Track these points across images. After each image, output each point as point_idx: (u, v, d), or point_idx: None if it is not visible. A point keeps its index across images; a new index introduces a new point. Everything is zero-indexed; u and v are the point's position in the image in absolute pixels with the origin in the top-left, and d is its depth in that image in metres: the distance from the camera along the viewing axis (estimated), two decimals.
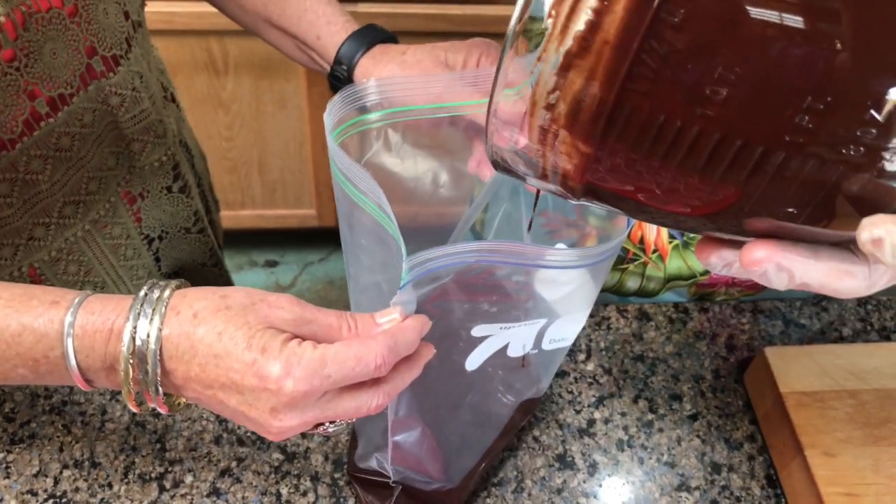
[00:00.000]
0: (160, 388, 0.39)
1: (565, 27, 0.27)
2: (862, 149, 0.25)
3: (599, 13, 0.26)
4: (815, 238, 0.29)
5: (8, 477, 0.57)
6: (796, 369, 0.61)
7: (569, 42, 0.27)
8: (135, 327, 0.38)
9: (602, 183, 0.30)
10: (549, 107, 0.29)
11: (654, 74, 0.25)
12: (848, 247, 0.30)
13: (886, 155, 0.25)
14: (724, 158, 0.26)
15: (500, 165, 0.35)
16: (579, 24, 0.26)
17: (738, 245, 0.31)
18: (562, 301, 0.48)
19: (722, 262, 0.33)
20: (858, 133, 0.25)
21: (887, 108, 0.24)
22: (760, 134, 0.26)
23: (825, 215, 0.27)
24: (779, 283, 0.30)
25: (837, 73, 0.24)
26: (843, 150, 0.25)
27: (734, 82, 0.25)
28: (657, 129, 0.27)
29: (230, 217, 1.65)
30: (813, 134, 0.25)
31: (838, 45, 0.24)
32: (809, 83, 0.24)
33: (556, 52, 0.27)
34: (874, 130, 0.25)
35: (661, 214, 0.31)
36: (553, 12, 0.27)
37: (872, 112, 0.24)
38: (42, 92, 0.50)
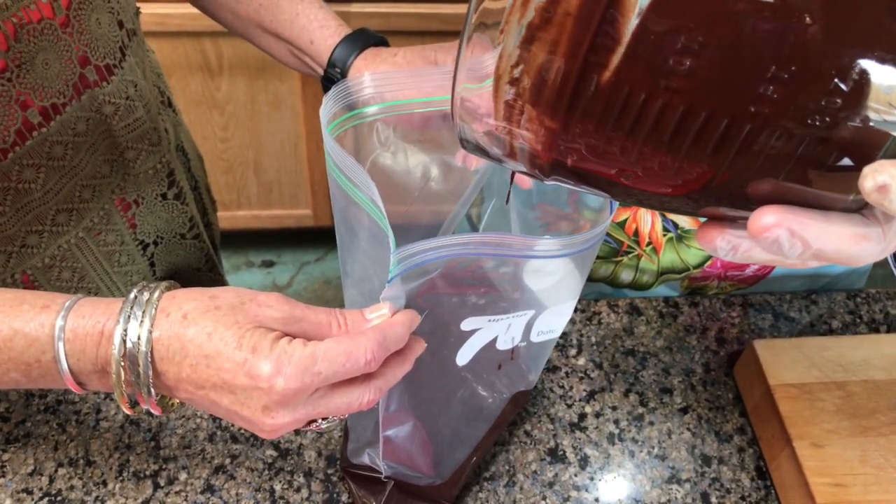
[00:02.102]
0: (152, 390, 0.39)
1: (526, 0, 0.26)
2: (828, 118, 0.25)
3: None
4: (824, 202, 0.28)
5: (3, 476, 0.57)
6: (785, 362, 0.62)
7: (530, 14, 0.26)
8: (125, 330, 0.38)
9: (571, 160, 0.30)
10: (514, 81, 0.28)
11: (617, 45, 0.25)
12: (859, 212, 0.28)
13: (851, 124, 0.25)
14: (689, 132, 0.26)
15: (469, 145, 0.35)
16: None
17: (742, 227, 0.30)
18: (548, 291, 0.48)
19: (728, 246, 0.31)
20: (823, 102, 0.24)
21: (852, 77, 0.24)
22: (725, 106, 0.25)
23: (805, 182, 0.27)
24: (792, 252, 0.28)
25: (801, 42, 0.24)
26: (809, 121, 0.25)
27: (697, 53, 0.24)
28: (622, 103, 0.26)
29: (226, 218, 1.65)
30: (778, 104, 0.25)
31: (802, 15, 0.24)
32: (773, 53, 0.24)
33: (518, 24, 0.27)
34: (839, 100, 0.24)
35: (643, 195, 0.30)
36: None
37: (837, 81, 0.24)
38: (34, 102, 0.50)
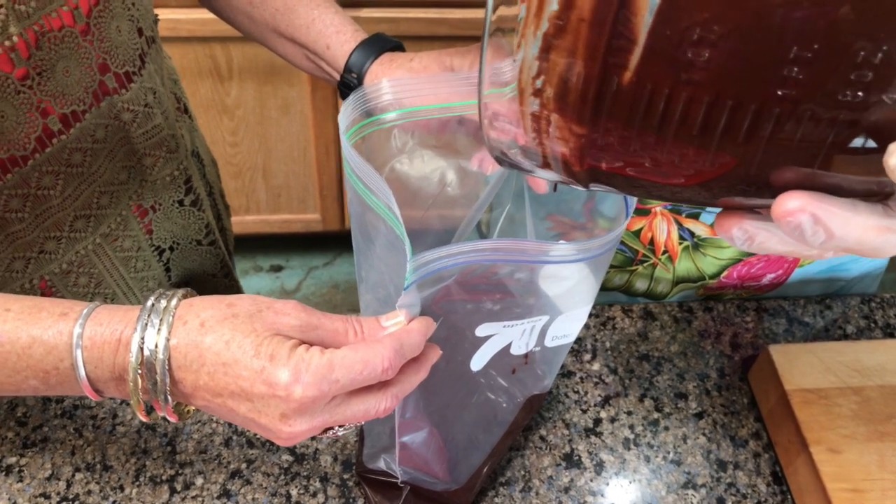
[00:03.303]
0: (169, 398, 0.39)
1: (539, 10, 0.27)
2: (860, 92, 0.24)
3: None
4: (848, 187, 0.27)
5: (21, 480, 0.57)
6: (800, 367, 0.62)
7: (545, 24, 0.27)
8: (142, 338, 0.38)
9: (606, 165, 0.30)
10: (537, 92, 0.28)
11: (634, 45, 0.25)
12: (884, 202, 0.28)
13: (887, 96, 0.24)
14: (718, 122, 0.26)
15: (504, 161, 0.35)
16: (553, 5, 0.26)
17: (760, 217, 0.30)
18: (563, 296, 0.48)
19: (744, 235, 0.30)
20: (853, 77, 0.24)
21: (879, 51, 0.23)
22: (751, 92, 0.25)
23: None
24: (814, 239, 0.27)
25: (820, 19, 0.23)
26: (840, 97, 0.24)
27: (714, 42, 0.24)
28: (647, 101, 0.26)
29: (235, 222, 1.65)
30: (805, 85, 0.24)
31: None
32: (793, 33, 0.24)
33: (535, 36, 0.27)
34: (868, 74, 0.24)
35: (676, 190, 0.30)
36: None
37: (863, 56, 0.23)
38: (54, 109, 0.50)
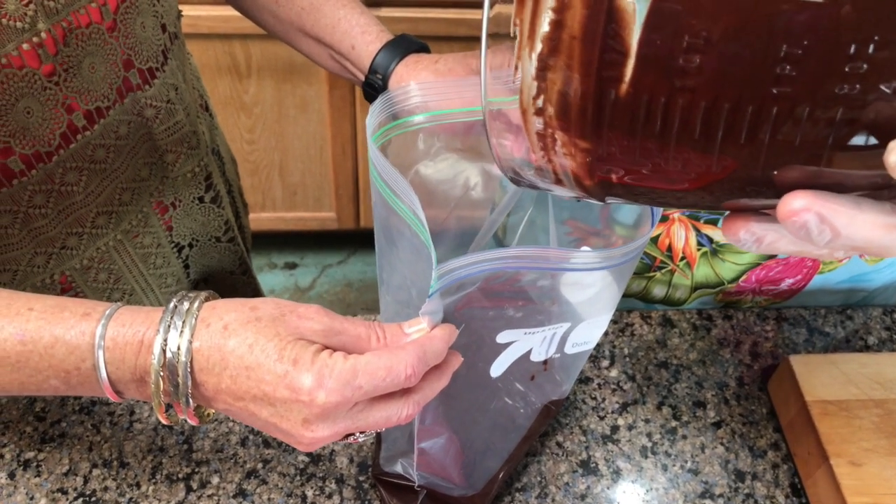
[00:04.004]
0: (191, 401, 0.39)
1: (531, 32, 0.27)
2: (857, 84, 0.24)
3: (560, 11, 0.26)
4: (853, 182, 0.27)
5: (39, 475, 0.58)
6: (821, 378, 0.61)
7: (538, 46, 0.27)
8: (165, 340, 0.38)
9: (616, 177, 0.30)
10: (539, 111, 0.29)
11: (627, 58, 0.25)
12: (893, 200, 0.28)
13: (885, 86, 0.24)
14: (718, 125, 0.26)
15: (519, 181, 0.35)
16: (544, 26, 0.27)
17: (766, 219, 0.30)
18: (586, 304, 0.48)
19: (752, 237, 0.30)
20: (848, 69, 0.24)
21: (870, 43, 0.23)
22: (746, 93, 0.25)
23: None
24: (820, 239, 0.27)
25: (807, 15, 0.23)
26: (837, 90, 0.24)
27: (704, 48, 0.24)
28: (645, 110, 0.26)
29: (251, 219, 1.66)
30: (800, 82, 0.24)
31: None
32: (779, 31, 0.24)
33: (530, 58, 0.28)
34: (864, 64, 0.24)
35: (681, 195, 0.30)
36: (517, 20, 0.28)
37: (856, 45, 0.23)
38: (79, 105, 0.50)
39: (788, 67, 0.24)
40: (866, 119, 0.25)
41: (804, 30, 0.23)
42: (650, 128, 0.27)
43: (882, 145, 0.25)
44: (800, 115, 0.25)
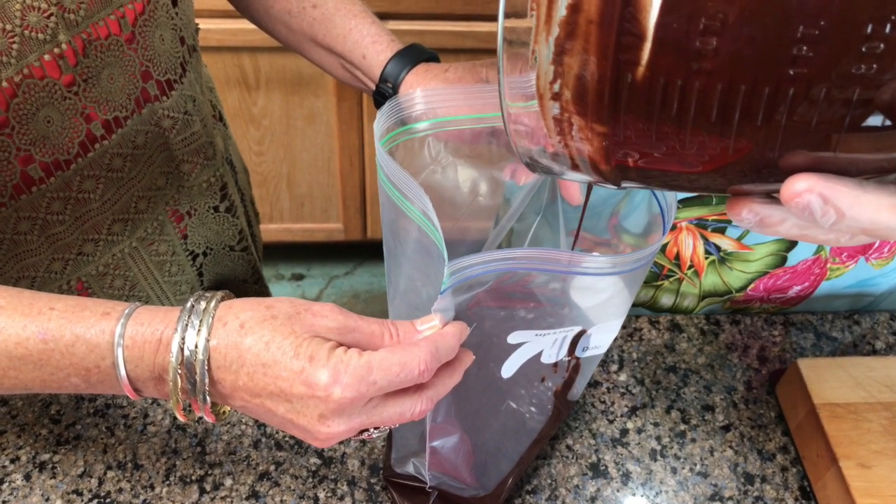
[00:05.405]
0: (208, 398, 0.40)
1: (548, 17, 0.27)
2: (874, 64, 0.24)
3: None
4: (859, 167, 0.28)
5: (54, 477, 0.58)
6: (829, 381, 0.61)
7: (555, 30, 0.27)
8: (183, 338, 0.39)
9: (633, 161, 0.30)
10: (556, 96, 0.29)
11: (643, 41, 0.26)
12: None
13: (891, 79, 0.24)
14: (734, 108, 0.26)
15: (535, 166, 0.36)
16: (561, 10, 0.27)
17: (772, 201, 0.30)
18: (596, 309, 0.49)
19: (755, 217, 0.31)
20: (865, 49, 0.24)
21: (888, 22, 0.23)
22: (763, 75, 0.25)
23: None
24: (825, 220, 0.28)
25: None
26: (854, 70, 0.24)
27: (720, 30, 0.25)
28: (662, 93, 0.27)
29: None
30: (816, 63, 0.24)
31: None
32: (796, 12, 0.24)
33: (547, 42, 0.28)
34: (881, 44, 0.24)
35: (705, 178, 0.30)
36: (534, 5, 0.28)
37: (872, 28, 0.23)
38: (98, 115, 0.52)
39: (805, 48, 0.24)
40: (882, 99, 0.25)
41: (820, 10, 0.24)
42: (667, 111, 0.27)
43: (895, 126, 0.25)
44: (816, 95, 0.25)
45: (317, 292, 1.84)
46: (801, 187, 0.27)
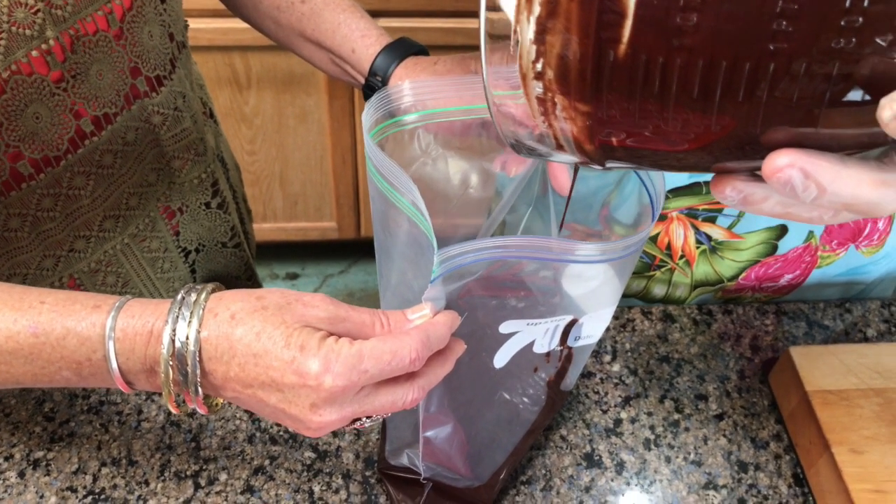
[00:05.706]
0: (200, 389, 0.40)
1: None
2: (853, 38, 0.24)
3: None
4: (840, 142, 0.28)
5: (48, 474, 0.58)
6: (822, 368, 0.62)
7: (536, 9, 0.27)
8: (174, 330, 0.39)
9: (617, 140, 0.30)
10: (539, 75, 0.29)
11: (624, 18, 0.26)
12: (879, 159, 0.28)
13: (881, 39, 0.24)
14: (716, 84, 0.26)
15: (520, 148, 0.36)
16: None
17: (756, 178, 0.31)
18: (587, 297, 0.49)
19: (738, 194, 0.31)
20: (844, 23, 0.24)
21: None
22: (743, 51, 0.25)
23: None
24: (806, 195, 0.28)
25: None
26: (834, 44, 0.24)
27: (701, 6, 0.25)
28: (644, 71, 0.27)
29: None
30: (796, 37, 0.25)
31: None
32: None
33: (528, 21, 0.28)
34: (859, 17, 0.24)
35: (681, 156, 0.30)
36: None
37: (852, 2, 0.24)
38: (87, 111, 0.51)
39: (785, 23, 0.24)
40: (862, 74, 0.25)
41: None
42: (649, 88, 0.27)
43: (874, 101, 0.25)
44: (796, 70, 0.25)
45: (311, 291, 1.84)
46: (783, 162, 0.27)
